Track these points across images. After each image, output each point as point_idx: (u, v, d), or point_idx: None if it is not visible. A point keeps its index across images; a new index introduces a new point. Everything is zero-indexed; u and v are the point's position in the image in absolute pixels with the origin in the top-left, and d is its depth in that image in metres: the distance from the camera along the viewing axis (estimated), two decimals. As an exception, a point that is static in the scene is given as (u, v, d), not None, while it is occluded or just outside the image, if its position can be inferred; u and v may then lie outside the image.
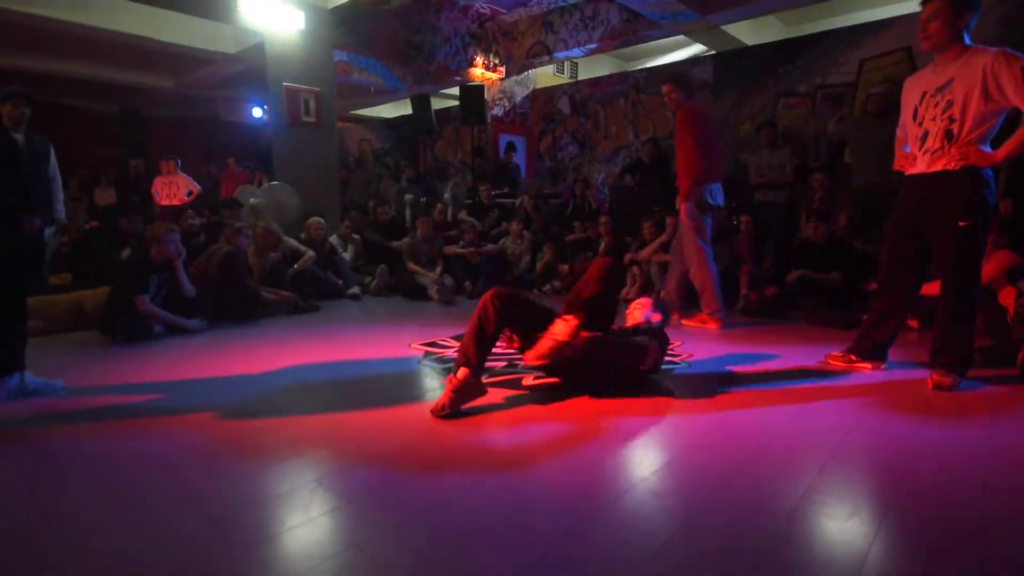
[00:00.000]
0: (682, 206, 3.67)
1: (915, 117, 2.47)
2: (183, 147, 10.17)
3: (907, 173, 2.54)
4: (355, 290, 5.20)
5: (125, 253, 4.55)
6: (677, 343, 3.27)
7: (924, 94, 2.42)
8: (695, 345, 3.22)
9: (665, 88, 3.77)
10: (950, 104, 2.32)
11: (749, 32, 8.09)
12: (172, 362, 2.99)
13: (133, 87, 10.34)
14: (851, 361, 2.72)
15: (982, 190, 2.31)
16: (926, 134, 2.42)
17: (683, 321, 3.83)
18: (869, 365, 2.69)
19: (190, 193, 6.96)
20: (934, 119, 2.38)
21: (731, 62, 6.94)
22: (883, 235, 2.83)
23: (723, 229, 4.77)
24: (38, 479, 1.65)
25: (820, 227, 4.37)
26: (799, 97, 6.28)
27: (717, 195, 3.72)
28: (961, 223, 2.31)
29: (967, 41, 2.32)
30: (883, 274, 2.63)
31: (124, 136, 10.87)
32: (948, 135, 2.34)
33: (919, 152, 2.46)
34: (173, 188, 7.08)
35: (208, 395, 2.42)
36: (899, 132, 2.63)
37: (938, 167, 2.38)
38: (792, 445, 1.82)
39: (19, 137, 3.89)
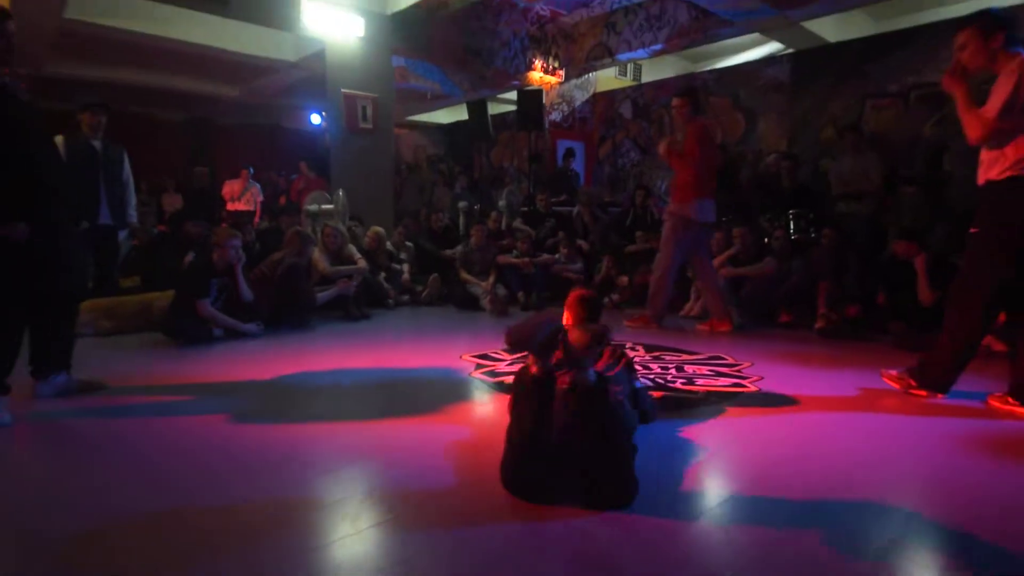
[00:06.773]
0: (670, 216, 4.11)
1: None
2: (246, 154, 10.80)
3: None
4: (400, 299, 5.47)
5: (189, 257, 4.85)
6: (746, 364, 3.17)
7: None
8: (766, 367, 3.11)
9: (675, 102, 4.07)
10: None
11: (832, 28, 7.77)
12: (227, 364, 3.17)
13: (201, 96, 11.10)
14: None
15: None
16: None
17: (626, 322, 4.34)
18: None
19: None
20: None
21: (812, 60, 6.72)
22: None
23: (801, 243, 4.55)
24: (74, 478, 1.78)
25: (911, 245, 4.04)
26: (890, 98, 5.98)
27: (709, 212, 4.09)
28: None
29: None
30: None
31: (192, 143, 11.66)
32: None
33: None
34: (245, 195, 8.09)
35: (260, 398, 2.55)
36: None
37: None
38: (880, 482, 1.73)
39: (97, 144, 4.28)
